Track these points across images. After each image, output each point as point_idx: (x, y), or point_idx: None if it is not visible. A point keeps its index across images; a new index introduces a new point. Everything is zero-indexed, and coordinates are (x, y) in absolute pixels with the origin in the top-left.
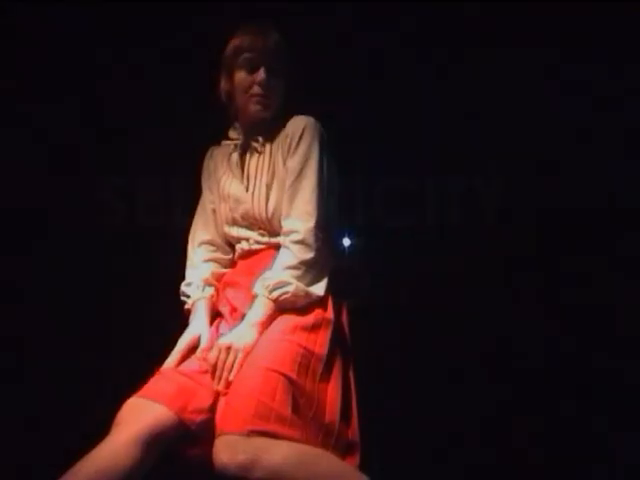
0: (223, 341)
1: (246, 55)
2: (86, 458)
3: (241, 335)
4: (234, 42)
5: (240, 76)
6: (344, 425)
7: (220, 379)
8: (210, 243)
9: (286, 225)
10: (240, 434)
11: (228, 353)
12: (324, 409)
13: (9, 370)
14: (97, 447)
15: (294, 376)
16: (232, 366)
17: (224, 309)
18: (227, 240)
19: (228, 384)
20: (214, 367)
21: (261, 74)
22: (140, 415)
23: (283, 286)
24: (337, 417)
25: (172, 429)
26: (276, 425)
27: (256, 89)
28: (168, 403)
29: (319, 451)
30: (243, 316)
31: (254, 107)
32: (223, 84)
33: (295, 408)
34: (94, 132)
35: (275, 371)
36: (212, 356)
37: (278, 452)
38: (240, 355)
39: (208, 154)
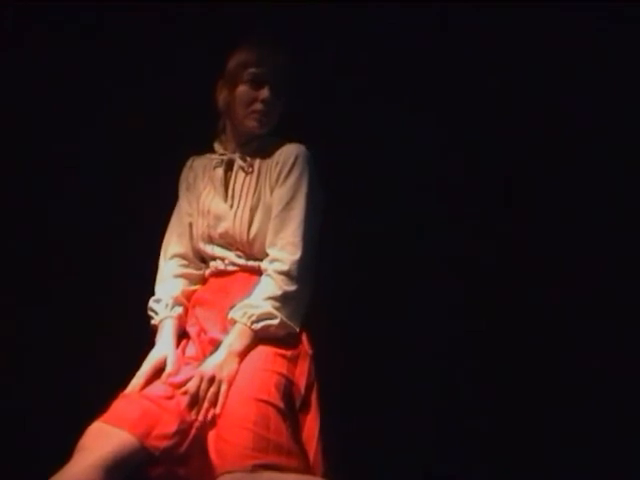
0: (205, 371)
1: (253, 70)
2: None
3: (223, 365)
4: (242, 54)
5: (243, 90)
6: (320, 457)
7: (201, 409)
8: (182, 257)
9: (271, 253)
10: (244, 470)
11: (211, 384)
12: (302, 440)
13: None
14: (59, 472)
15: (281, 405)
16: (216, 397)
17: (192, 330)
18: (200, 255)
19: (213, 415)
20: (194, 397)
21: (265, 92)
22: (103, 441)
23: (268, 318)
24: (314, 449)
25: (135, 455)
26: (275, 456)
27: (258, 106)
28: (131, 429)
29: None
30: (212, 340)
31: (251, 123)
32: (224, 94)
33: (288, 437)
34: None
35: (264, 401)
36: (193, 385)
37: None
38: (224, 386)
39: (188, 164)
